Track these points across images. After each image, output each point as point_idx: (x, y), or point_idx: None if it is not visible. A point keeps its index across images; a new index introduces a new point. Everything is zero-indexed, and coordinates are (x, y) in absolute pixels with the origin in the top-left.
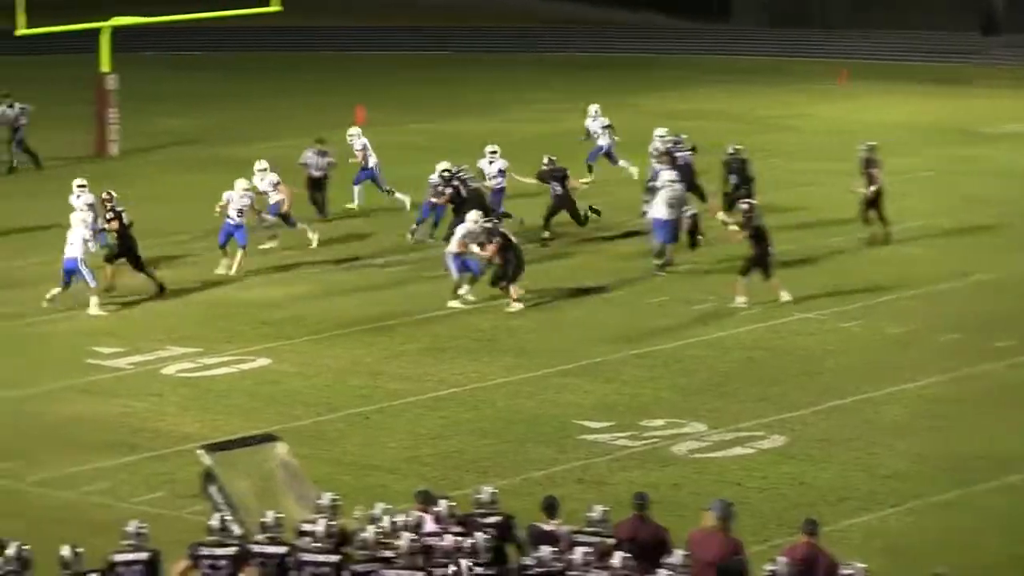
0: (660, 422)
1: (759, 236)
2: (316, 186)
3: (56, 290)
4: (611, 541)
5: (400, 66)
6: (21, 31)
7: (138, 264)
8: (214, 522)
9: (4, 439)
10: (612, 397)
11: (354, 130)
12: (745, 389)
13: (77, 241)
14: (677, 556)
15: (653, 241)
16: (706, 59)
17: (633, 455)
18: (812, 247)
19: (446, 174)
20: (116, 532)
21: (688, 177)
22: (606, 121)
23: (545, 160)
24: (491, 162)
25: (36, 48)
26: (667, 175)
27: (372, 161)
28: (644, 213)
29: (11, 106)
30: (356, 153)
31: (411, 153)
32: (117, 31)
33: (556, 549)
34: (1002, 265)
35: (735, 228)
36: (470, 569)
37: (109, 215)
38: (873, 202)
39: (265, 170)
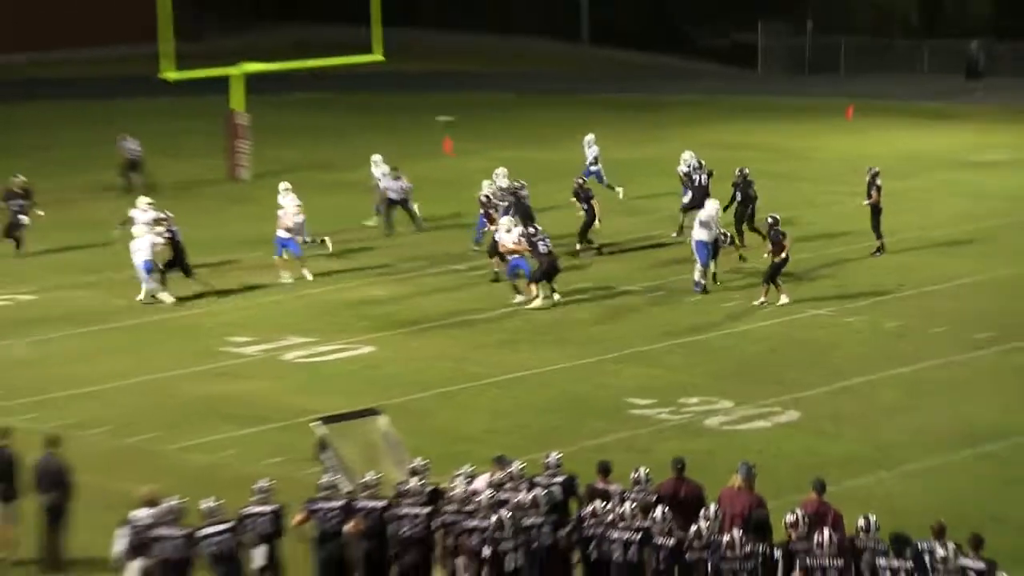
0: (695, 400)
1: (778, 246)
2: (392, 204)
3: (153, 289)
4: (653, 498)
5: (481, 105)
6: (172, 76)
7: (185, 270)
8: (325, 481)
9: (154, 412)
10: (655, 379)
11: (376, 157)
12: (766, 373)
13: (146, 246)
14: (711, 509)
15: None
16: (738, 99)
17: (673, 427)
18: (824, 255)
19: (483, 198)
20: (246, 489)
21: (701, 197)
22: (596, 152)
23: (575, 181)
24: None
25: (184, 90)
26: (711, 204)
27: (384, 184)
28: (681, 229)
29: (125, 140)
30: (398, 180)
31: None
32: (250, 76)
33: (608, 503)
34: (983, 270)
35: (776, 254)
36: (511, 518)
37: (167, 234)
38: (873, 215)
39: (288, 189)
